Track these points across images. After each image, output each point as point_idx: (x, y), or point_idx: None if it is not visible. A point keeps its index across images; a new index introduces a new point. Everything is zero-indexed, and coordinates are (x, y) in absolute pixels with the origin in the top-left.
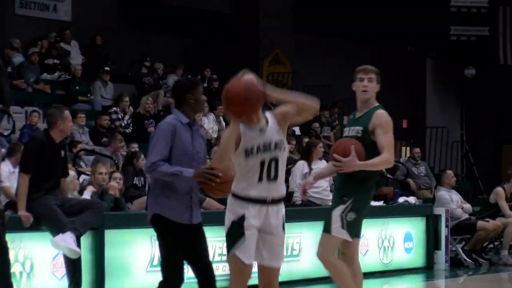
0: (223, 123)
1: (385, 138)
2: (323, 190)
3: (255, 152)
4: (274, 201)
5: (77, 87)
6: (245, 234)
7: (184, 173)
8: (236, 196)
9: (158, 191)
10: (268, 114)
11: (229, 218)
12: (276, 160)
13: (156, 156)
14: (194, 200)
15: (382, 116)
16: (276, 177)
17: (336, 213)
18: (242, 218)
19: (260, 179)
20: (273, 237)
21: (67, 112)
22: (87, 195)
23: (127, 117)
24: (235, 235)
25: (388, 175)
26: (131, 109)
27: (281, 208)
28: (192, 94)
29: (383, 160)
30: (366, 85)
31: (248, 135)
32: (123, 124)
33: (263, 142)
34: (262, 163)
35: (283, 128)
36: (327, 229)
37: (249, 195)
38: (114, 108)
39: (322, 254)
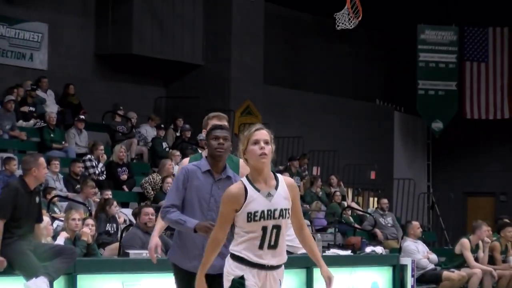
0: None
1: None
2: (294, 238)
3: (258, 218)
4: (273, 267)
5: (51, 135)
6: (248, 286)
7: (187, 223)
8: (234, 257)
9: (175, 235)
10: (280, 178)
11: (228, 277)
12: (278, 228)
13: (167, 201)
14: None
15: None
16: (276, 245)
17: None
18: (242, 278)
19: (261, 246)
20: None
21: (42, 159)
22: (60, 240)
23: (101, 164)
24: None
25: (356, 225)
26: (105, 157)
27: (280, 272)
28: (207, 140)
29: None
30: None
31: (253, 198)
32: (97, 172)
33: (268, 208)
34: (264, 230)
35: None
36: None
37: (248, 259)
38: (89, 156)
39: None
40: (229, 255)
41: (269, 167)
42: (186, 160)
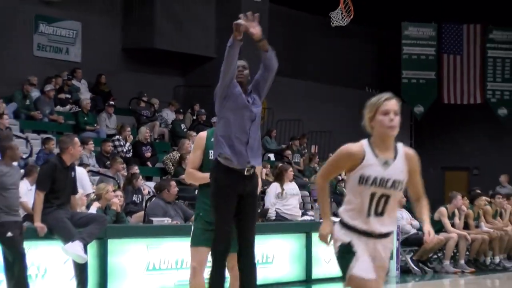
0: None
1: None
2: (293, 207)
3: (370, 183)
4: (382, 235)
5: (85, 118)
6: (356, 251)
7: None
8: (343, 224)
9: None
10: (401, 148)
11: (336, 243)
12: (387, 197)
13: None
14: None
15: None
16: (383, 212)
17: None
18: (349, 244)
19: (369, 214)
20: (381, 270)
21: (76, 140)
22: (93, 210)
23: (128, 144)
24: (346, 257)
25: None
26: (131, 137)
27: (390, 240)
28: None
29: None
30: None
31: (369, 163)
32: (124, 150)
33: (382, 176)
34: (372, 196)
35: (407, 171)
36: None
37: (356, 227)
38: (117, 137)
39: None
40: (338, 221)
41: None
42: (204, 133)
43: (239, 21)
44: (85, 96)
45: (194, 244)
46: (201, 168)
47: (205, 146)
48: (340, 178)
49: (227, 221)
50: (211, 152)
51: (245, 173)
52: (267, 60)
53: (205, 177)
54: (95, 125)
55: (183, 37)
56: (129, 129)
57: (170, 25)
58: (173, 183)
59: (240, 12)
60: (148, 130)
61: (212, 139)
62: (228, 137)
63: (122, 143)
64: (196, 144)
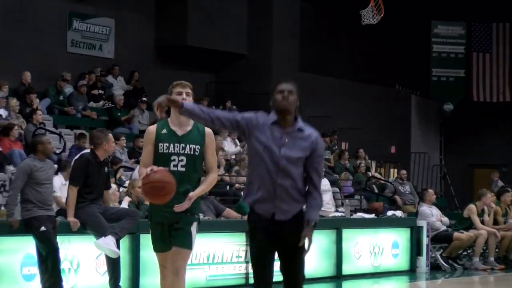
0: (239, 146)
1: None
2: (325, 204)
3: None
4: None
5: (118, 114)
6: None
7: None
8: None
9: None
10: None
11: None
12: None
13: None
14: None
15: (212, 135)
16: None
17: (194, 230)
18: None
19: None
20: None
21: (111, 135)
22: (124, 204)
23: None
24: None
25: (378, 192)
26: None
27: None
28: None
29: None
30: (185, 98)
31: None
32: None
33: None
34: None
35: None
36: (189, 246)
37: None
38: None
39: (183, 269)
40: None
41: None
42: (153, 127)
43: (158, 100)
44: (119, 92)
45: (154, 250)
46: (154, 164)
47: (155, 139)
48: (371, 175)
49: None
50: (161, 145)
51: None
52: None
53: (142, 173)
54: (130, 114)
55: (215, 34)
56: None
57: (203, 22)
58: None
59: (271, 9)
60: None
61: (164, 131)
62: None
63: None
64: (146, 139)
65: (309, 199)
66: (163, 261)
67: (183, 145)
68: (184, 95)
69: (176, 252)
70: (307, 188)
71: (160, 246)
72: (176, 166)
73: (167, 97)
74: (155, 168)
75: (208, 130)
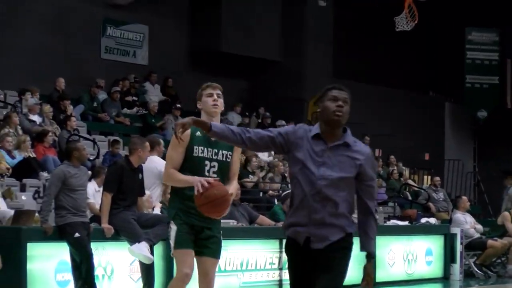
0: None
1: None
2: None
3: None
4: None
5: (152, 120)
6: None
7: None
8: None
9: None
10: None
11: None
12: None
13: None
14: None
15: None
16: None
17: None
18: None
19: None
20: None
21: (147, 143)
22: (157, 210)
23: None
24: None
25: (412, 199)
26: None
27: None
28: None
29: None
30: (216, 99)
31: None
32: None
33: None
34: None
35: None
36: (220, 255)
37: None
38: None
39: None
40: None
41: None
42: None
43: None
44: (154, 98)
45: (179, 246)
46: (183, 168)
47: (190, 141)
48: (404, 182)
49: None
50: (196, 148)
51: None
52: None
53: (187, 180)
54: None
55: (249, 41)
56: None
57: (236, 29)
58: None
59: (305, 15)
60: None
61: (198, 133)
62: None
63: None
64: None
65: (364, 227)
66: (184, 262)
67: (216, 151)
68: (215, 96)
69: (211, 263)
70: (359, 213)
71: (185, 243)
72: (208, 171)
73: (193, 119)
74: (206, 182)
75: None
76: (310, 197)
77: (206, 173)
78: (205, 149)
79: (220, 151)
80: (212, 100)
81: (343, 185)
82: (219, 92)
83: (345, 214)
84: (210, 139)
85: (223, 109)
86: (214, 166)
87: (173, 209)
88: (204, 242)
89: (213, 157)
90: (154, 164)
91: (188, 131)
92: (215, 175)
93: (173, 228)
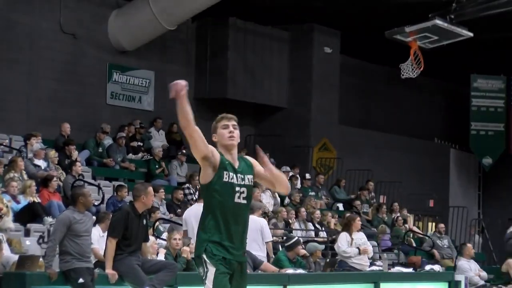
0: (278, 198)
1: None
2: (362, 257)
3: None
4: None
5: (156, 166)
6: None
7: None
8: None
9: None
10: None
11: None
12: None
13: None
14: None
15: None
16: None
17: None
18: None
19: None
20: None
21: (150, 189)
22: (161, 256)
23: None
24: None
25: (416, 246)
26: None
27: None
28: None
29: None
30: (232, 130)
31: None
32: (194, 198)
33: None
34: None
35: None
36: None
37: None
38: (187, 185)
39: None
40: None
41: None
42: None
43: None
44: (158, 144)
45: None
46: (214, 190)
47: (220, 164)
48: (408, 229)
49: None
50: (226, 174)
51: None
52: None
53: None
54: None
55: (255, 88)
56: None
57: (243, 75)
58: None
59: (311, 62)
60: None
61: (226, 160)
62: None
63: (192, 191)
64: (210, 149)
65: None
66: None
67: (242, 176)
68: (231, 128)
69: None
70: None
71: (226, 283)
72: (239, 198)
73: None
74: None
75: (254, 160)
76: None
77: (237, 199)
78: (233, 175)
79: (245, 176)
80: (228, 132)
81: None
82: (235, 123)
83: None
84: (235, 166)
85: (239, 140)
86: (243, 192)
87: (202, 244)
88: (241, 284)
89: (241, 183)
90: None
91: (218, 154)
92: (245, 201)
93: (211, 269)
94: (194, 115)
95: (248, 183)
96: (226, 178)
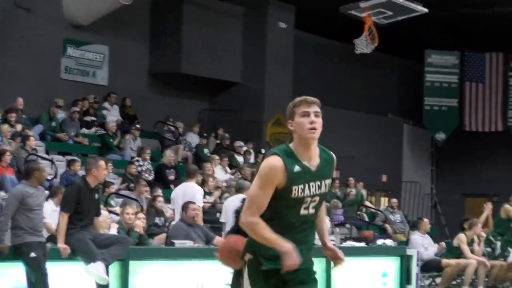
0: (229, 173)
1: None
2: None
3: None
4: None
5: (110, 140)
6: None
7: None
8: None
9: None
10: None
11: None
12: None
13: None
14: None
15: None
16: None
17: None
18: None
19: None
20: None
21: (101, 162)
22: (113, 230)
23: (147, 163)
24: None
25: (368, 221)
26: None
27: None
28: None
29: None
30: (314, 120)
31: None
32: (143, 170)
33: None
34: None
35: None
36: None
37: None
38: (136, 158)
39: None
40: None
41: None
42: (278, 159)
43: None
44: (112, 119)
45: None
46: (274, 205)
47: (287, 181)
48: (361, 203)
49: None
50: (295, 189)
51: None
52: None
53: (277, 244)
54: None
55: (209, 62)
56: (148, 151)
57: (197, 50)
58: (192, 205)
59: (266, 37)
60: (173, 154)
61: (296, 169)
62: None
63: (141, 164)
64: (268, 177)
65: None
66: None
67: (319, 184)
68: (312, 117)
69: None
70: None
71: None
72: (307, 208)
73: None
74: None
75: (333, 156)
76: None
77: (304, 211)
78: (306, 186)
79: (323, 182)
80: (309, 122)
81: None
82: (317, 109)
83: None
84: (310, 171)
85: (321, 130)
86: (314, 201)
87: (251, 249)
88: None
89: (316, 192)
90: None
91: (282, 166)
92: (313, 210)
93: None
94: (149, 90)
95: (324, 191)
96: (295, 194)
